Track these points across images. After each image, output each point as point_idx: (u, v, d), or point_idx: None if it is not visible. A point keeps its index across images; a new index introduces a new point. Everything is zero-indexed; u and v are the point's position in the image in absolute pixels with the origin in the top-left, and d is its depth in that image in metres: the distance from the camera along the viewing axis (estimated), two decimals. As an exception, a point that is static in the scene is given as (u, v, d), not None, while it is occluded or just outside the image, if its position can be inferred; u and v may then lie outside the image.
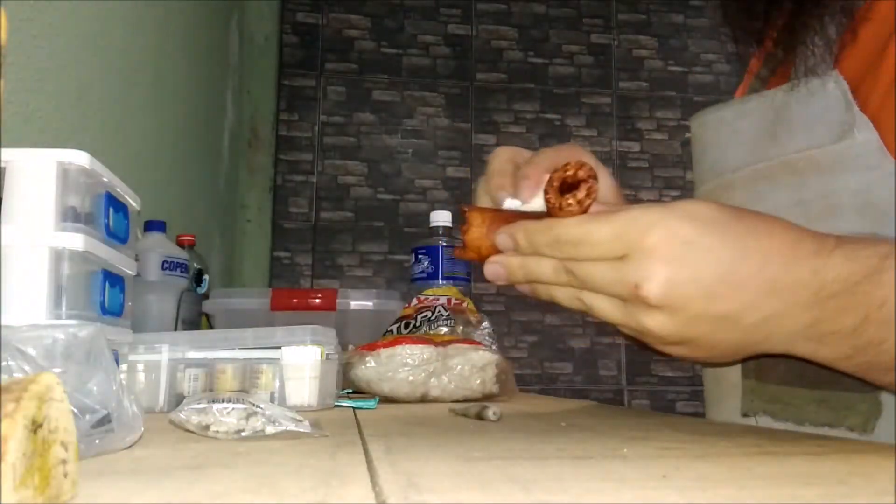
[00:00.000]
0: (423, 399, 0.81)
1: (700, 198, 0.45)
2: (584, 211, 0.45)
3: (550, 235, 0.45)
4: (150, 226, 1.12)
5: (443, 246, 1.11)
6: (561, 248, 0.45)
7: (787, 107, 0.60)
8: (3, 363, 0.31)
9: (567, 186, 0.45)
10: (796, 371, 0.56)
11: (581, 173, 0.45)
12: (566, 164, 0.45)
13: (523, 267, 0.47)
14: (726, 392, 0.63)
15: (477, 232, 0.49)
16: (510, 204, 0.51)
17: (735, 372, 0.62)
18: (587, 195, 0.44)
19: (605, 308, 0.45)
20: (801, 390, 0.57)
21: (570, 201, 0.44)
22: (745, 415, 0.61)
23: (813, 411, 0.56)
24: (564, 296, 0.47)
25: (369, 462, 0.33)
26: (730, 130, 0.65)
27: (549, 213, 0.46)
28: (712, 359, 0.48)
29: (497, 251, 0.49)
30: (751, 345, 0.45)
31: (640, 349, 0.59)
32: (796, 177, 0.58)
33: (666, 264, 0.41)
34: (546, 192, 0.46)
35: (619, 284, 0.43)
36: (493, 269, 0.49)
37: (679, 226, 0.42)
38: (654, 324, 0.43)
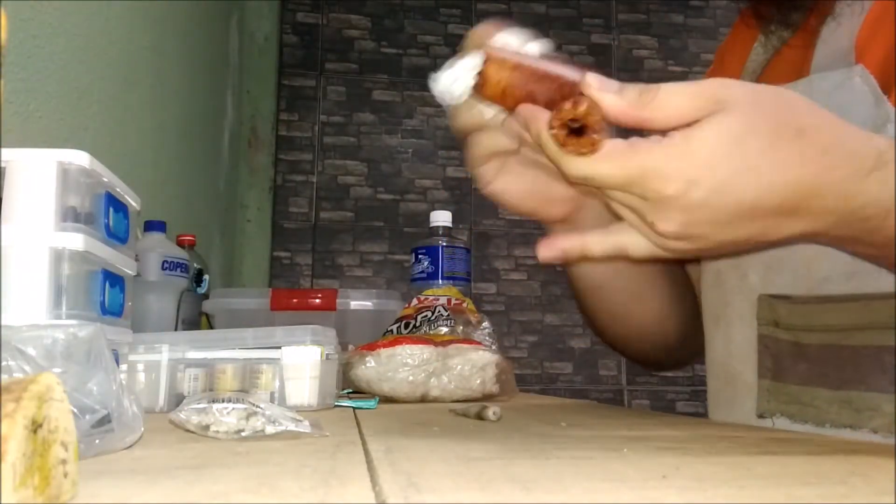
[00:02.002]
0: (423, 399, 0.81)
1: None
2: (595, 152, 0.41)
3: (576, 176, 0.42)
4: (150, 226, 1.12)
5: (443, 246, 1.11)
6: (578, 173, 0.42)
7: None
8: (3, 363, 0.31)
9: (573, 123, 0.41)
10: (817, 371, 0.55)
11: (591, 120, 0.41)
12: (575, 100, 0.41)
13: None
14: (740, 393, 0.61)
15: (494, 88, 0.43)
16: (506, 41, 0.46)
17: (750, 372, 0.60)
18: (594, 144, 0.40)
19: (624, 211, 0.43)
20: (823, 391, 0.55)
21: (584, 151, 0.41)
22: (760, 416, 0.59)
23: (835, 412, 0.54)
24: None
25: (369, 462, 0.33)
26: None
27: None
28: (708, 253, 0.48)
29: (520, 103, 0.43)
30: (757, 245, 0.45)
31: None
32: None
33: (684, 212, 0.40)
34: (552, 127, 0.41)
35: (638, 214, 0.42)
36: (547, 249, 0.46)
37: (703, 176, 0.39)
38: (670, 245, 0.43)
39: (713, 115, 0.39)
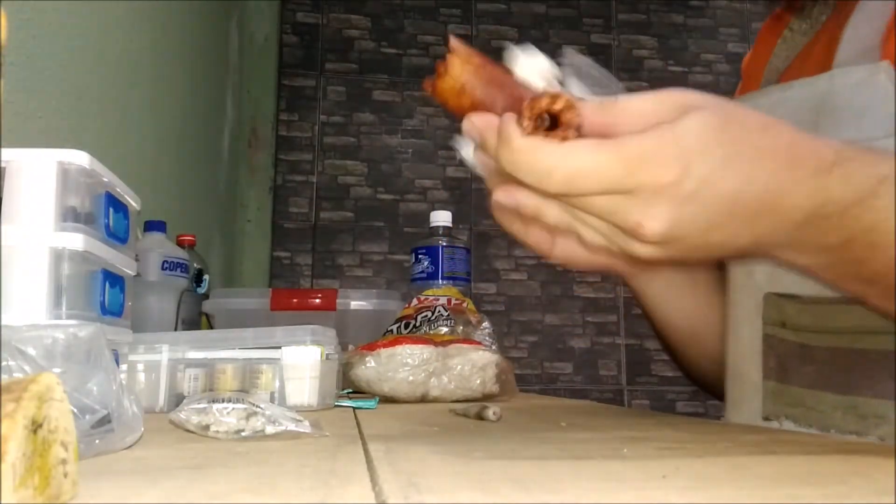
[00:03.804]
0: (423, 399, 0.81)
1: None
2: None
3: (558, 174, 0.40)
4: (150, 226, 1.12)
5: (443, 246, 1.11)
6: (566, 184, 0.40)
7: (830, 96, 0.56)
8: (3, 363, 0.31)
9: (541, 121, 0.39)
10: (823, 374, 0.54)
11: (567, 116, 0.39)
12: (552, 94, 0.39)
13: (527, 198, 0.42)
14: (747, 393, 0.61)
15: (453, 82, 0.41)
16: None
17: (756, 372, 0.59)
18: (567, 132, 0.39)
19: (591, 232, 0.42)
20: (828, 395, 0.54)
21: (556, 139, 0.39)
22: (766, 418, 0.58)
23: (840, 418, 0.53)
24: (554, 214, 0.42)
25: (369, 462, 0.33)
26: None
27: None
28: (668, 261, 0.45)
29: (475, 106, 0.41)
30: (731, 253, 0.46)
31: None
32: None
33: (675, 206, 0.39)
34: (522, 118, 0.39)
35: (619, 217, 0.40)
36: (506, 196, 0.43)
37: (695, 163, 0.39)
38: (644, 252, 0.41)
39: (686, 113, 0.39)
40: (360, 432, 0.46)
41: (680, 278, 0.65)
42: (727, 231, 0.41)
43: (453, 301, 0.98)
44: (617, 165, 0.38)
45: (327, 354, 0.66)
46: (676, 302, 0.65)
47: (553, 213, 0.42)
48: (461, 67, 0.41)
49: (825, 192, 0.41)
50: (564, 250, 0.51)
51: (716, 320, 0.66)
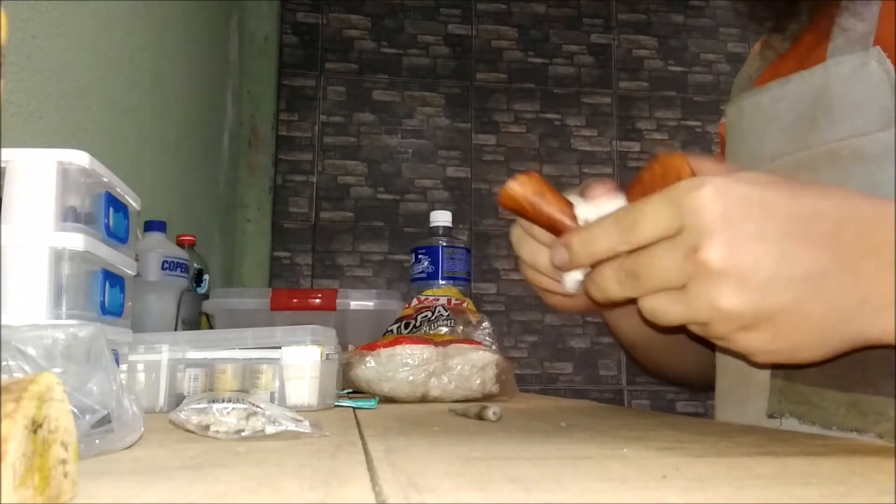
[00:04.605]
0: (423, 399, 0.81)
1: None
2: None
3: (607, 221, 0.42)
4: (150, 226, 1.12)
5: (443, 246, 1.11)
6: (618, 234, 0.41)
7: (826, 89, 0.55)
8: (3, 363, 0.31)
9: None
10: (827, 372, 0.54)
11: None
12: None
13: (585, 246, 0.43)
14: (753, 392, 0.61)
15: (521, 189, 0.47)
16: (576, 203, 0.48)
17: (764, 371, 0.59)
18: None
19: (667, 304, 0.40)
20: (832, 392, 0.54)
21: None
22: (771, 416, 0.58)
23: (842, 415, 0.53)
24: (617, 287, 0.42)
25: (369, 462, 0.33)
26: (766, 117, 0.61)
27: None
28: (796, 350, 0.40)
29: (537, 215, 0.47)
30: (841, 323, 0.39)
31: (726, 354, 0.57)
32: (839, 167, 0.53)
33: (724, 221, 0.37)
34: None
35: (679, 258, 0.38)
36: (559, 253, 0.45)
37: (733, 184, 0.38)
38: (724, 298, 0.37)
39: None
40: (360, 432, 0.46)
41: (622, 309, 0.65)
42: (809, 264, 0.38)
43: (453, 301, 0.98)
44: (657, 201, 0.39)
45: (327, 354, 0.66)
46: (618, 323, 0.66)
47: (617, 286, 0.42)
48: (527, 185, 0.47)
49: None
50: (569, 302, 0.55)
51: (651, 340, 0.66)
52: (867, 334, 0.40)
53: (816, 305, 0.38)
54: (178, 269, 1.10)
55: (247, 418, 0.41)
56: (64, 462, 0.24)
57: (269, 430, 0.41)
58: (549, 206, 0.47)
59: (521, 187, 0.47)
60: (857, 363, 0.53)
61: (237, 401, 0.43)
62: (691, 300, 0.38)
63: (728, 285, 0.37)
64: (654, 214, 0.39)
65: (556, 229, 0.47)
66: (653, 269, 0.39)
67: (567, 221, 0.46)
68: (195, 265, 1.25)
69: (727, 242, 0.37)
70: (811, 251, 0.38)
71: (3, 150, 0.48)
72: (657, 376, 0.76)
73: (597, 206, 0.46)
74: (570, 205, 0.47)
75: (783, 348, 0.40)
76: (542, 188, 0.47)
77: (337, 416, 0.59)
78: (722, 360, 0.66)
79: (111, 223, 0.55)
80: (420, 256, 1.11)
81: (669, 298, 0.39)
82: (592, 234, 0.43)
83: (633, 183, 0.46)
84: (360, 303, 1.26)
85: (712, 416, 0.72)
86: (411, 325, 0.93)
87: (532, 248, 0.51)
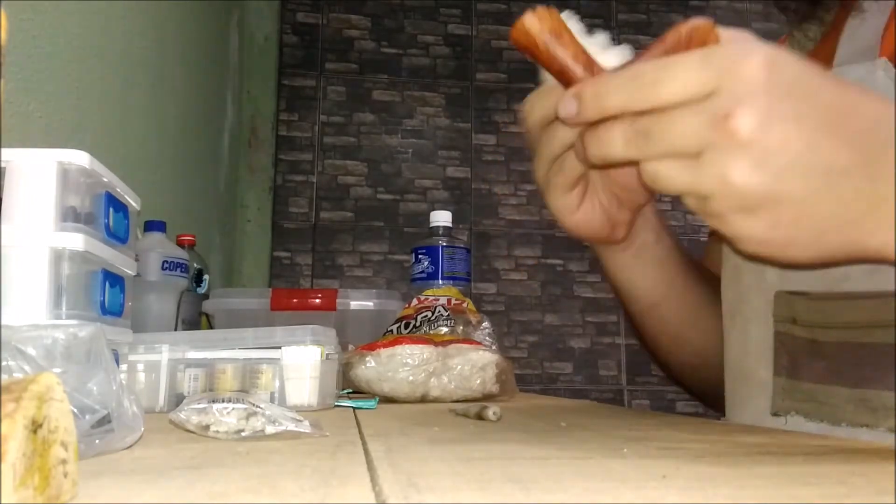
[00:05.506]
0: (423, 399, 0.81)
1: None
2: None
3: (625, 75, 0.39)
4: (150, 226, 1.12)
5: (443, 246, 1.11)
6: (638, 89, 0.38)
7: None
8: (3, 363, 0.31)
9: None
10: (834, 369, 0.54)
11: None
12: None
13: (598, 99, 0.39)
14: (755, 391, 0.61)
15: (538, 24, 0.42)
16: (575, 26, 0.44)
17: (766, 370, 0.59)
18: None
19: (675, 171, 0.38)
20: (839, 389, 0.54)
21: None
22: (775, 414, 0.58)
23: (851, 411, 0.53)
24: (622, 144, 0.39)
25: (369, 462, 0.33)
26: None
27: None
28: (789, 245, 0.39)
29: (549, 58, 0.42)
30: (845, 226, 0.38)
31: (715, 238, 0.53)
32: None
33: (766, 93, 0.35)
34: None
35: (703, 123, 0.36)
36: (568, 103, 0.41)
37: (785, 57, 0.36)
38: (738, 171, 0.36)
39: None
40: (360, 432, 0.46)
41: (648, 254, 0.64)
42: (836, 158, 0.36)
43: (453, 301, 0.98)
44: (694, 58, 0.37)
45: (327, 354, 0.66)
46: (640, 275, 0.65)
47: (620, 138, 0.39)
48: (539, 27, 0.42)
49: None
50: (586, 213, 0.52)
51: (675, 296, 0.67)
52: (867, 244, 0.39)
53: (826, 203, 0.37)
54: (178, 269, 1.10)
55: (247, 418, 0.41)
56: (64, 462, 0.24)
57: (269, 430, 0.41)
58: (564, 51, 0.42)
59: (538, 21, 0.42)
60: (866, 359, 0.53)
61: (237, 401, 0.43)
62: (702, 169, 0.37)
63: (746, 160, 0.36)
64: (686, 74, 0.36)
65: (567, 79, 0.42)
66: (670, 131, 0.37)
67: (579, 71, 0.42)
68: (195, 265, 1.25)
69: (763, 115, 0.35)
70: (839, 147, 0.36)
71: (3, 150, 0.48)
72: (671, 362, 0.73)
73: (619, 58, 0.43)
74: (587, 55, 0.42)
75: (778, 239, 0.39)
76: (561, 28, 0.42)
77: (337, 416, 0.59)
78: (725, 359, 0.66)
79: (111, 223, 0.55)
80: (420, 256, 1.11)
81: (679, 165, 0.37)
82: (608, 87, 0.39)
83: (653, 44, 0.42)
84: (360, 303, 1.26)
85: (712, 416, 0.72)
86: (411, 325, 0.93)
87: (545, 104, 0.47)
